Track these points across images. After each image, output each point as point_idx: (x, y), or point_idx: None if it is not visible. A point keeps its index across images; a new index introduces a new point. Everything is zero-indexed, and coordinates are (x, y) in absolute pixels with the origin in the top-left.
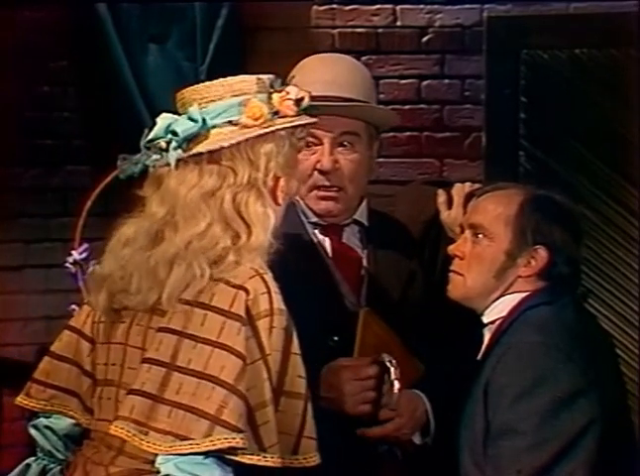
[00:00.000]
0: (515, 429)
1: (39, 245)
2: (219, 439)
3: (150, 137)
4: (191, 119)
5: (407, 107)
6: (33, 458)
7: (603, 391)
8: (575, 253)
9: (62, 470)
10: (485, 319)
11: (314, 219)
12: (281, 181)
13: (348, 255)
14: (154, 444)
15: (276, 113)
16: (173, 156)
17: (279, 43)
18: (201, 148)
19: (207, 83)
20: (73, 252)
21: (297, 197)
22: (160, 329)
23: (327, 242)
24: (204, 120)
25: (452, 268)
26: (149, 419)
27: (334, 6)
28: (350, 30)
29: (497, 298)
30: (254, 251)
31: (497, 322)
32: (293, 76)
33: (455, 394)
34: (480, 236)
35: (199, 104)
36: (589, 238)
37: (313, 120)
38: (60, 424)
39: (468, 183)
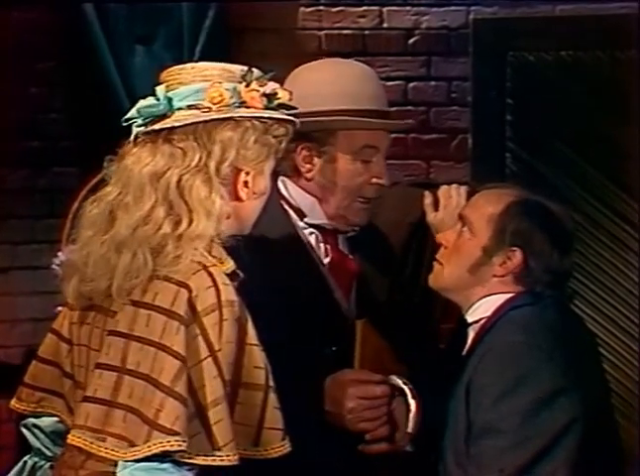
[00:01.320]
0: (497, 429)
1: (26, 247)
2: (155, 444)
3: (126, 117)
4: (156, 98)
5: (394, 109)
6: (28, 456)
7: (585, 390)
8: (556, 263)
9: (53, 466)
10: (470, 318)
11: (321, 221)
12: (245, 176)
13: (343, 261)
14: (112, 451)
15: (243, 103)
16: (133, 132)
17: (267, 44)
18: (156, 126)
19: (181, 66)
20: (60, 254)
21: (317, 201)
22: (110, 333)
23: (322, 248)
24: (170, 101)
25: (436, 256)
26: (105, 425)
27: (320, 8)
28: (336, 31)
29: (481, 298)
30: (196, 239)
31: (482, 322)
32: (321, 85)
33: (437, 398)
34: (465, 229)
35: (169, 86)
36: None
37: (281, 116)
38: (46, 422)
39: (454, 185)
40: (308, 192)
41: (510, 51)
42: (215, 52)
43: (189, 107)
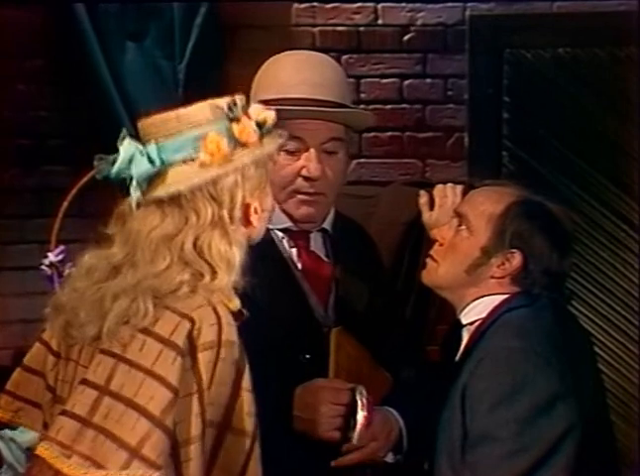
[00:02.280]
0: (494, 436)
1: (14, 247)
2: (133, 473)
3: (114, 170)
4: (149, 159)
5: (389, 107)
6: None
7: (582, 395)
8: (555, 265)
9: None
10: (464, 320)
11: (285, 225)
12: (254, 204)
13: (317, 265)
14: (74, 469)
15: (237, 142)
16: (133, 198)
17: (260, 41)
18: (160, 191)
19: (163, 116)
20: (50, 254)
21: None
22: (102, 351)
23: (294, 251)
24: (162, 159)
25: (430, 252)
26: (74, 443)
27: (314, 4)
28: (331, 28)
29: (476, 299)
30: (217, 291)
31: (476, 324)
32: (267, 76)
33: (426, 405)
34: (463, 227)
35: (156, 140)
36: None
37: (276, 145)
38: (24, 437)
39: (450, 184)
40: None
41: (507, 48)
42: (207, 49)
43: (183, 161)
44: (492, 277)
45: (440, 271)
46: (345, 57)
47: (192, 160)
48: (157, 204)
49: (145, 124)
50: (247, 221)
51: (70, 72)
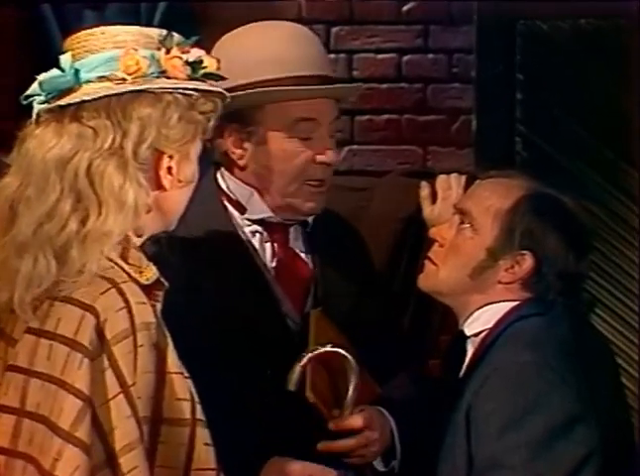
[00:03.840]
0: (503, 463)
1: None
2: None
3: (26, 94)
4: (60, 69)
5: (385, 86)
6: None
7: (603, 416)
8: (571, 268)
9: None
10: (468, 331)
11: (261, 215)
12: (168, 161)
13: (294, 264)
14: None
15: (163, 73)
16: (35, 110)
17: (237, 11)
18: (62, 101)
19: (89, 31)
20: None
21: (255, 192)
22: (9, 368)
23: (268, 247)
24: (77, 72)
25: (428, 254)
26: None
27: None
28: None
29: (482, 307)
30: (103, 237)
31: (482, 335)
32: (249, 53)
33: (423, 426)
34: (466, 225)
35: (76, 54)
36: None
37: (210, 88)
38: None
39: (454, 175)
40: (245, 183)
41: (520, 18)
42: (176, 20)
43: (100, 79)
44: (500, 282)
45: (440, 275)
46: (335, 29)
47: (109, 79)
48: (57, 122)
49: (69, 40)
50: (156, 177)
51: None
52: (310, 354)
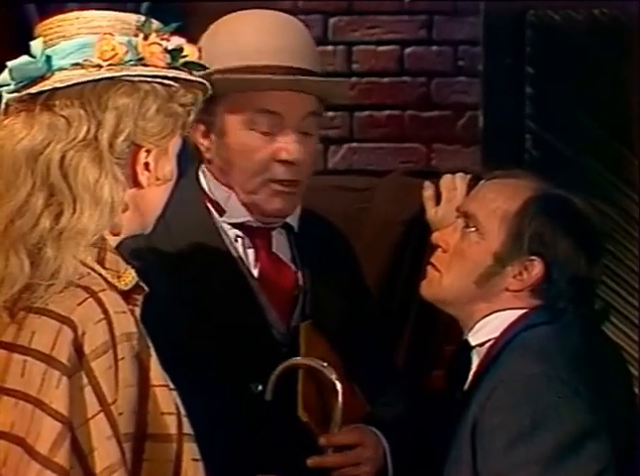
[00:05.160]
0: None
1: None
2: None
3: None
4: (31, 56)
5: (387, 80)
6: None
7: (617, 431)
8: (583, 273)
9: None
10: (473, 341)
11: (242, 219)
12: (145, 156)
13: (279, 271)
14: None
15: (141, 60)
16: (3, 99)
17: (227, 2)
18: (33, 89)
19: (63, 16)
20: None
21: (224, 192)
22: None
23: (251, 253)
24: (49, 59)
25: (431, 260)
26: None
27: None
28: None
29: (488, 315)
30: (77, 236)
31: (488, 345)
32: (224, 40)
33: (411, 444)
34: (471, 229)
35: (48, 41)
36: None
37: (191, 77)
38: None
39: (460, 174)
40: (222, 183)
41: (530, 8)
42: (164, 11)
43: (74, 66)
44: (508, 289)
45: (444, 282)
46: (333, 19)
47: (83, 66)
48: (27, 111)
49: (41, 26)
50: (133, 173)
51: None
52: (286, 364)
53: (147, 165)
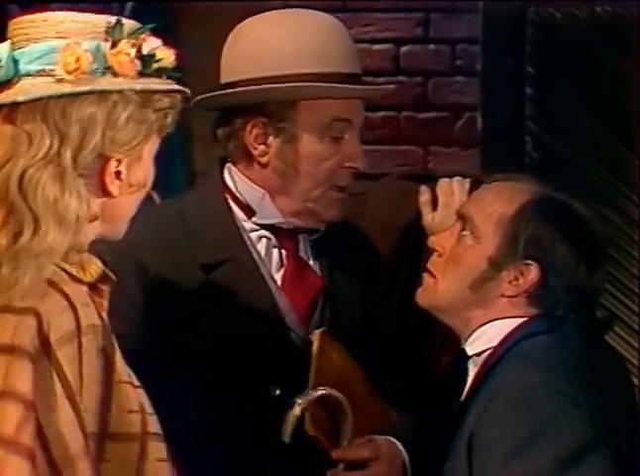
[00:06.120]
0: None
1: None
2: None
3: None
4: None
5: (382, 79)
6: None
7: (618, 443)
8: (582, 281)
9: None
10: (470, 350)
11: (271, 220)
12: (116, 165)
13: (303, 274)
14: None
15: (109, 69)
16: None
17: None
18: None
19: (32, 17)
20: None
21: (267, 194)
22: None
23: (275, 255)
24: (16, 62)
25: (427, 265)
26: None
27: None
28: None
29: (485, 324)
30: (41, 255)
31: (485, 354)
32: (277, 44)
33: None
34: (466, 233)
35: (16, 42)
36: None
37: (161, 87)
38: None
39: (457, 178)
40: (257, 183)
41: (531, 6)
42: (152, 11)
43: (39, 73)
44: (503, 295)
45: (439, 288)
46: None
47: (49, 74)
48: None
49: (12, 25)
50: (102, 184)
51: None
52: (301, 401)
53: (118, 173)
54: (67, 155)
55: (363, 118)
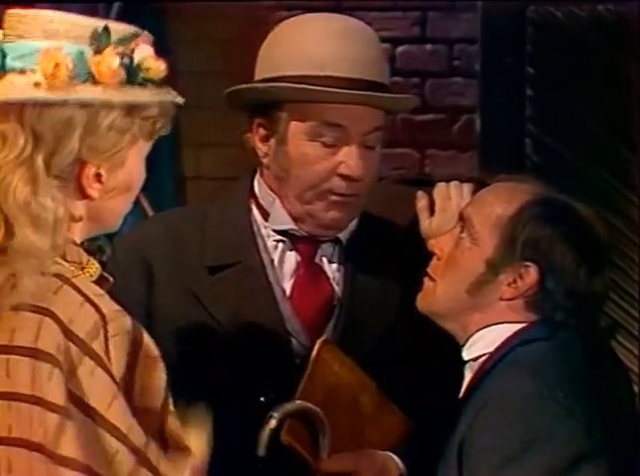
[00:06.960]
0: None
1: None
2: None
3: None
4: None
5: None
6: None
7: (615, 454)
8: (583, 284)
9: None
10: (467, 355)
11: (284, 226)
12: (94, 169)
13: (316, 281)
14: None
15: (91, 76)
16: None
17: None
18: None
19: (24, 12)
20: None
21: (277, 199)
22: None
23: (290, 260)
24: (4, 56)
25: (427, 269)
26: None
27: None
28: None
29: (482, 328)
30: (28, 257)
31: (481, 360)
32: (291, 46)
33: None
34: (465, 235)
35: (7, 35)
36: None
37: (142, 100)
38: None
39: (455, 182)
40: (270, 187)
41: (531, 4)
42: (141, 11)
43: (22, 72)
44: (502, 298)
45: (437, 292)
46: None
47: (30, 74)
48: None
49: (8, 15)
50: (79, 187)
51: None
52: (276, 414)
53: (98, 176)
54: (40, 158)
55: (371, 126)
